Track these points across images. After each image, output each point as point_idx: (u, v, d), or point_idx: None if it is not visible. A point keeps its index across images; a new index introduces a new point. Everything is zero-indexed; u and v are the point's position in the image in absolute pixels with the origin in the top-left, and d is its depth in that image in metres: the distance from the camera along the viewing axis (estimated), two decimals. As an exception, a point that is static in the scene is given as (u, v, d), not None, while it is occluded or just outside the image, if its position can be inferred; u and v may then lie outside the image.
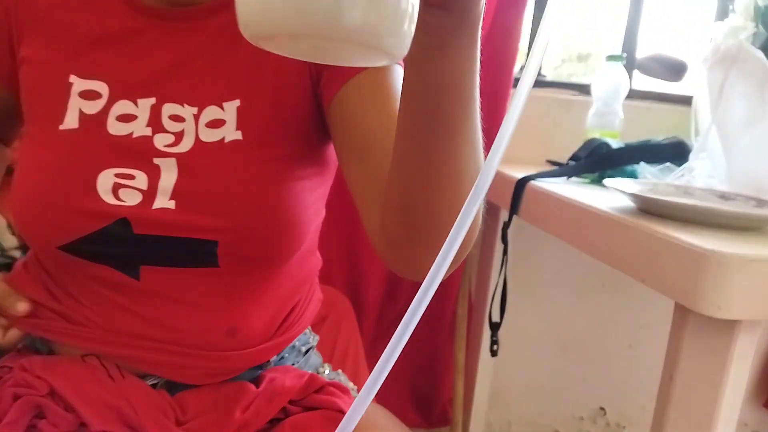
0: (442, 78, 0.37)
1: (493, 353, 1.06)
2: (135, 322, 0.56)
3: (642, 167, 0.95)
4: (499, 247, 1.08)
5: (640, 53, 1.52)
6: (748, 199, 0.74)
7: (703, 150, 0.89)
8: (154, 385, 0.58)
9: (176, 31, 0.58)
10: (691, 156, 0.88)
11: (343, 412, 0.60)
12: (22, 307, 0.56)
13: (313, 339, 0.76)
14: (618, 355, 1.49)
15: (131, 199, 0.53)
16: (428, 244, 0.45)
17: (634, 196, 0.71)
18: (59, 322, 0.58)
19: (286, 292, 0.64)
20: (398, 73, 0.57)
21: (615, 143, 1.05)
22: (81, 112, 0.55)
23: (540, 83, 1.42)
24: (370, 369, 0.90)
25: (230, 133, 0.57)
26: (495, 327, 1.07)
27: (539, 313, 1.44)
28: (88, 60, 0.57)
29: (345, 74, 0.56)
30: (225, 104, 0.57)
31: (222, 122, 0.57)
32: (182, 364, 0.57)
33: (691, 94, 1.49)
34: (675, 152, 0.96)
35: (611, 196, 0.84)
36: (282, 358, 0.68)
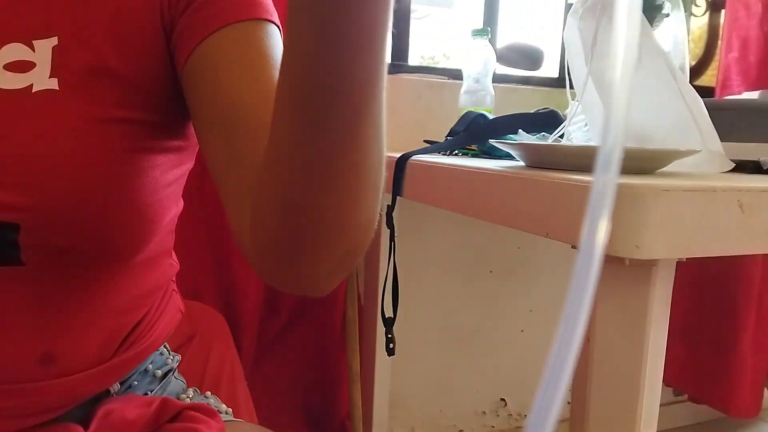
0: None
1: (390, 352, 0.97)
2: None
3: (521, 135, 0.92)
4: (385, 234, 0.99)
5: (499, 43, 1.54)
6: (632, 149, 0.72)
7: (580, 113, 0.88)
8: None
9: None
10: (568, 120, 0.85)
11: None
12: None
13: (174, 360, 0.61)
14: (511, 342, 1.46)
15: None
16: (314, 250, 0.34)
17: (525, 148, 0.66)
18: None
19: (128, 303, 0.50)
20: (276, 35, 0.46)
21: (491, 116, 1.02)
22: None
23: (407, 68, 1.38)
24: (252, 392, 0.75)
25: (41, 80, 0.42)
26: (389, 323, 0.97)
27: (430, 307, 1.37)
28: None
29: (209, 24, 0.44)
30: (36, 42, 0.43)
31: (30, 65, 0.42)
32: None
33: (553, 76, 1.54)
34: (550, 121, 0.94)
35: (497, 162, 0.78)
36: (129, 387, 0.53)
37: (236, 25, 0.43)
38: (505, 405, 1.50)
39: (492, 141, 0.72)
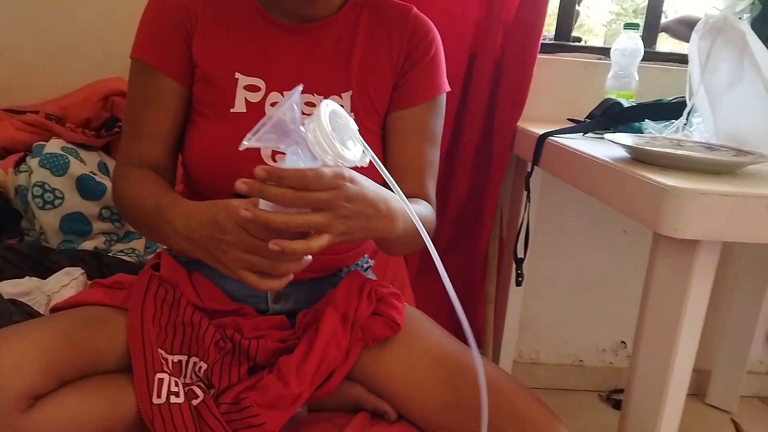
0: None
1: (518, 283, 1.26)
2: None
3: (647, 124, 1.10)
4: (525, 194, 1.26)
5: (669, 16, 1.62)
6: (730, 149, 0.90)
7: (697, 109, 1.04)
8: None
9: (303, 40, 0.80)
10: (686, 113, 1.02)
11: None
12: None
13: (370, 262, 0.98)
14: (638, 293, 1.65)
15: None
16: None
17: (626, 147, 0.88)
18: None
19: None
20: (443, 105, 0.86)
21: (627, 103, 1.20)
22: (246, 100, 0.77)
23: (567, 47, 1.56)
24: (414, 295, 1.11)
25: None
26: (519, 261, 1.26)
27: (566, 256, 1.62)
28: (246, 62, 0.79)
29: (418, 96, 0.84)
30: (343, 94, 0.80)
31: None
32: None
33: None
34: (676, 111, 1.10)
35: (614, 149, 1.00)
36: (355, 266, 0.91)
37: (424, 105, 0.83)
38: (625, 347, 1.72)
39: (607, 136, 0.94)
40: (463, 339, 0.84)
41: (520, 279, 1.27)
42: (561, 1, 1.57)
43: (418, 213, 0.74)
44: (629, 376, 0.88)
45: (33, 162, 1.23)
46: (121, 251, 1.27)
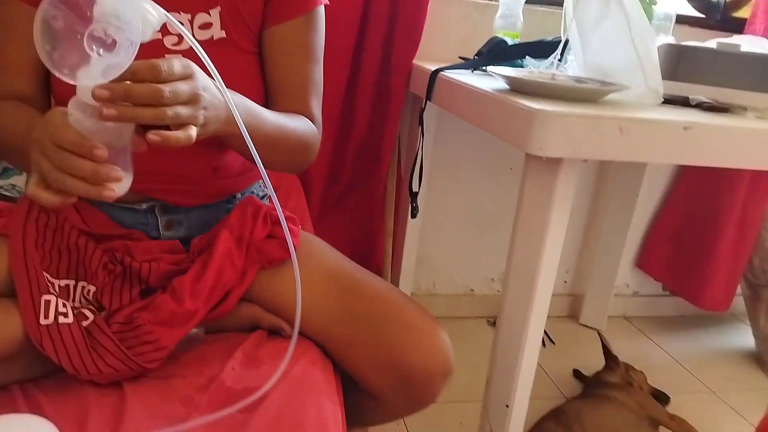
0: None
1: (413, 215, 1.32)
2: (150, 159, 0.77)
3: (528, 61, 1.18)
4: (419, 129, 1.32)
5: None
6: (595, 81, 0.99)
7: (570, 47, 1.13)
8: (151, 208, 0.80)
9: None
10: (560, 50, 1.11)
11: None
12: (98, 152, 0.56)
13: (266, 192, 0.99)
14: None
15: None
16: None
17: (505, 78, 0.95)
18: None
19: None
20: (321, 19, 0.83)
21: (512, 41, 1.28)
22: None
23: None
24: (316, 233, 1.13)
25: (216, 32, 0.76)
26: (414, 195, 1.32)
27: (460, 193, 1.72)
28: None
29: (288, 13, 0.80)
30: (210, 11, 0.78)
31: (209, 25, 0.77)
32: (177, 189, 0.80)
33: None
34: (555, 49, 1.19)
35: (498, 83, 1.07)
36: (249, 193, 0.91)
37: (300, 19, 0.79)
38: (512, 276, 1.87)
39: (489, 68, 1.00)
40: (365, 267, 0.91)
41: (415, 212, 1.34)
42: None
43: (295, 127, 0.77)
44: (503, 290, 0.98)
45: None
46: (1, 188, 1.19)
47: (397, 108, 1.45)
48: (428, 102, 1.23)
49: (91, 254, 0.75)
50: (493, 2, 1.57)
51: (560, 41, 1.22)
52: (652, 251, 1.89)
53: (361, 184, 1.54)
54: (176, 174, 0.80)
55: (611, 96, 0.96)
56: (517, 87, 0.95)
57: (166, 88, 0.54)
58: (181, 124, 0.57)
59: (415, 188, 1.34)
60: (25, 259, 0.69)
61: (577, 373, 1.58)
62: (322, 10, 0.86)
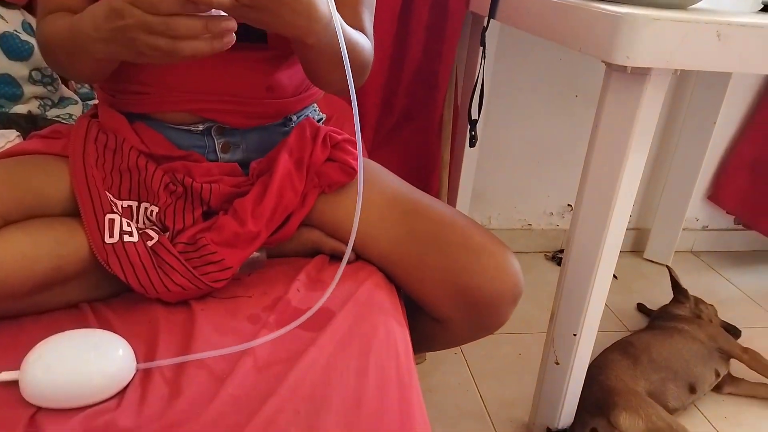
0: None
1: (472, 144, 1.26)
2: (204, 79, 0.74)
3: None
4: (480, 51, 1.24)
5: None
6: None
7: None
8: (207, 129, 0.78)
9: None
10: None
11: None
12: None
13: (322, 115, 0.96)
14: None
15: None
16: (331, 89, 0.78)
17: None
18: (139, 97, 0.76)
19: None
20: None
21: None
22: None
23: None
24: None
25: None
26: (473, 123, 1.26)
27: (519, 122, 1.63)
28: None
29: None
30: None
31: None
32: (232, 109, 0.77)
33: None
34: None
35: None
36: (305, 117, 0.88)
37: None
38: (571, 210, 1.80)
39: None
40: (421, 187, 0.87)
41: (473, 140, 1.28)
42: None
43: (357, 39, 0.71)
44: (573, 218, 0.92)
45: (-54, 22, 1.12)
46: (57, 116, 1.20)
47: (455, 30, 1.37)
48: (491, 21, 1.15)
49: (152, 175, 0.73)
50: None
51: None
52: (727, 182, 1.77)
53: (416, 113, 1.48)
54: (230, 93, 0.77)
55: (701, 4, 0.86)
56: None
57: None
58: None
59: (474, 115, 1.27)
60: (86, 179, 0.69)
61: (641, 307, 1.53)
62: None
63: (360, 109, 1.43)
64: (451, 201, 1.59)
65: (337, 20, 0.60)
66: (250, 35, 0.72)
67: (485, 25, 1.17)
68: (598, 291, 0.92)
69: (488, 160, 1.65)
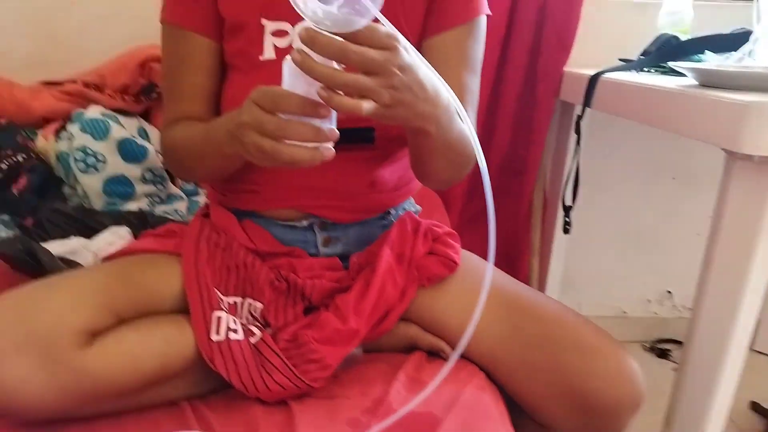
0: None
1: (566, 231, 1.22)
2: (310, 178, 0.75)
3: (707, 56, 1.04)
4: (572, 138, 1.22)
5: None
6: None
7: (764, 36, 0.97)
8: (310, 225, 0.79)
9: None
10: (752, 41, 0.96)
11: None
12: (324, 110, 0.54)
13: (418, 207, 0.95)
14: (686, 242, 1.59)
15: None
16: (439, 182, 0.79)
17: (693, 70, 0.83)
18: (249, 195, 0.79)
19: (406, 163, 0.83)
20: (482, 29, 0.78)
21: (684, 38, 1.14)
22: (275, 47, 0.74)
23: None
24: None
25: None
26: (568, 209, 1.22)
27: (611, 205, 1.57)
28: (271, 7, 0.75)
29: (450, 21, 0.76)
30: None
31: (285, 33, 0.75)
32: (335, 205, 0.77)
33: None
34: (739, 41, 1.04)
35: (676, 79, 0.95)
36: (402, 210, 0.88)
37: (461, 28, 0.74)
38: (671, 296, 1.67)
39: (670, 63, 0.89)
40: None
41: (567, 227, 1.23)
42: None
43: (466, 135, 0.71)
44: (694, 313, 0.84)
45: (74, 128, 1.23)
46: (165, 212, 1.27)
47: (545, 117, 1.36)
48: (587, 108, 1.13)
49: (258, 271, 0.74)
50: (651, 1, 1.44)
51: (745, 32, 1.07)
52: None
53: (504, 199, 1.46)
54: (334, 189, 0.79)
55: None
56: (711, 81, 0.82)
57: (353, 48, 0.50)
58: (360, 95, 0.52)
59: (568, 202, 1.23)
60: (197, 276, 0.70)
61: (756, 407, 1.37)
62: (484, 20, 0.81)
63: (448, 194, 1.43)
64: (541, 287, 1.52)
65: (457, 108, 0.58)
66: (356, 138, 0.74)
67: (580, 114, 1.15)
68: (724, 395, 0.82)
69: (578, 245, 1.58)
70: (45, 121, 1.30)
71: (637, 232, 1.60)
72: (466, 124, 0.58)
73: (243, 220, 0.80)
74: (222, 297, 0.71)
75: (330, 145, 0.55)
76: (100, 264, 0.75)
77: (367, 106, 0.52)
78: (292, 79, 0.53)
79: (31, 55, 1.43)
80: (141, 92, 1.35)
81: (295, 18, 0.76)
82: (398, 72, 0.52)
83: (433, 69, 0.56)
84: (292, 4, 0.49)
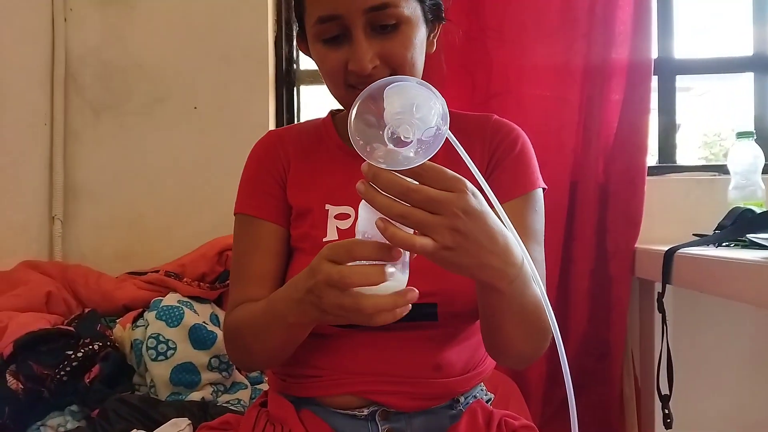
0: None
1: (667, 426, 1.07)
2: (372, 360, 0.72)
3: (789, 227, 0.99)
4: (657, 318, 1.13)
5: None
6: None
7: None
8: (372, 414, 0.73)
9: None
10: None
11: None
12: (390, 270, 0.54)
13: (490, 395, 0.87)
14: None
15: None
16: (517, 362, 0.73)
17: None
18: (310, 380, 0.76)
19: (477, 342, 0.78)
20: (540, 201, 0.78)
21: (760, 210, 1.10)
22: (337, 228, 0.78)
23: (677, 168, 1.50)
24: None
25: None
26: (665, 399, 1.08)
27: (713, 394, 1.39)
28: (335, 193, 0.80)
29: (505, 195, 0.77)
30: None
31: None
32: (398, 390, 0.72)
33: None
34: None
35: (759, 252, 0.89)
36: (473, 398, 0.80)
37: (518, 200, 0.75)
38: None
39: (749, 236, 0.84)
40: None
41: (668, 420, 1.08)
42: (660, 126, 1.55)
43: (538, 304, 0.66)
44: None
45: (150, 315, 1.28)
46: (227, 402, 1.23)
47: (623, 295, 1.29)
48: (667, 286, 1.06)
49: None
50: (718, 176, 1.43)
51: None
52: None
53: (589, 387, 1.33)
54: (397, 373, 0.74)
55: None
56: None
57: (413, 186, 0.50)
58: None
59: (664, 390, 1.10)
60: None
61: None
62: (540, 193, 0.81)
63: (525, 381, 1.32)
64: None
65: (530, 264, 0.57)
66: (418, 316, 0.71)
67: (661, 291, 1.08)
68: None
69: (685, 444, 1.38)
70: (126, 309, 1.36)
71: (749, 421, 1.38)
72: (539, 287, 0.54)
73: (301, 410, 0.75)
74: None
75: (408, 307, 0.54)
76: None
77: (423, 241, 0.51)
78: (362, 216, 0.53)
79: (121, 248, 1.55)
80: (217, 279, 1.41)
81: (356, 203, 0.79)
82: (462, 215, 0.51)
83: (508, 221, 0.54)
84: (356, 147, 0.51)
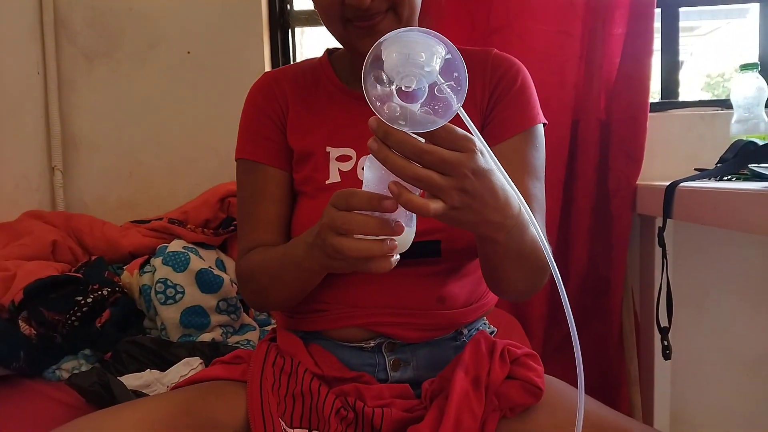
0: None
1: (666, 356, 1.09)
2: (378, 294, 0.74)
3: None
4: (658, 254, 1.14)
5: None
6: None
7: None
8: (378, 346, 0.75)
9: None
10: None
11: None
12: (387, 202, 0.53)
13: (493, 328, 0.90)
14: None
15: None
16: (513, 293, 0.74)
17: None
18: (317, 315, 0.78)
19: (479, 277, 0.80)
20: (540, 137, 0.78)
21: (762, 142, 1.09)
22: (339, 170, 0.77)
23: (680, 104, 1.48)
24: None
25: None
26: (665, 331, 1.11)
27: (714, 328, 1.42)
28: (335, 135, 0.79)
29: (506, 131, 0.76)
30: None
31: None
32: (403, 322, 0.74)
33: None
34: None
35: (762, 183, 0.89)
36: (476, 330, 0.82)
37: (517, 137, 0.74)
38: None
39: (751, 165, 0.84)
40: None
41: (667, 351, 1.11)
42: (663, 63, 1.52)
43: (535, 239, 0.67)
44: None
45: (156, 261, 1.29)
46: (237, 343, 1.26)
47: (624, 233, 1.30)
48: (668, 220, 1.07)
49: (324, 399, 0.70)
50: (720, 111, 1.41)
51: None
52: None
53: (589, 323, 1.36)
54: (402, 305, 0.76)
55: None
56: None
57: (427, 147, 0.49)
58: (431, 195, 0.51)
59: (663, 323, 1.12)
60: (262, 405, 0.67)
61: None
62: (541, 128, 0.81)
63: (527, 320, 1.35)
64: (647, 422, 1.34)
65: (528, 215, 0.56)
66: (423, 253, 0.72)
67: (661, 225, 1.09)
68: None
69: (684, 375, 1.42)
70: (132, 257, 1.38)
71: (751, 355, 1.42)
72: (537, 232, 0.55)
73: (309, 344, 0.78)
74: (287, 429, 0.66)
75: (397, 256, 0.54)
76: (166, 393, 0.73)
77: (434, 206, 0.51)
78: (370, 173, 0.53)
79: (125, 197, 1.56)
80: (220, 225, 1.42)
81: (357, 144, 0.78)
82: (471, 175, 0.51)
83: (507, 176, 0.54)
84: (369, 103, 0.50)
